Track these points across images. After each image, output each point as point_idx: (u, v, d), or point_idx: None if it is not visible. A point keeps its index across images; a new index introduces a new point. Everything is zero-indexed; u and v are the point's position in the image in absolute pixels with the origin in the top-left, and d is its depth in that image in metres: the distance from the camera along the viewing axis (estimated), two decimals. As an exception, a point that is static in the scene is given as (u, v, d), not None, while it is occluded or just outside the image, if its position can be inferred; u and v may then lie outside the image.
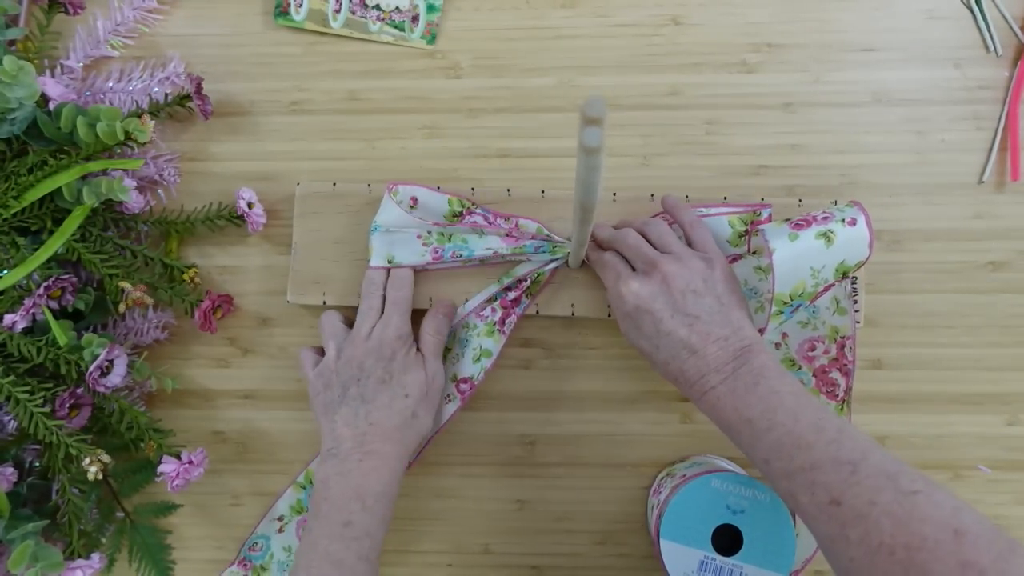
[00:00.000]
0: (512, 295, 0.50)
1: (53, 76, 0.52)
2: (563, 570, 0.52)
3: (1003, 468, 0.51)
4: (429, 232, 0.49)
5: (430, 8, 0.54)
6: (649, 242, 0.46)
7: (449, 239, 0.49)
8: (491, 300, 0.50)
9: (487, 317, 0.50)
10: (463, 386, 0.51)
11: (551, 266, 0.49)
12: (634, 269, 0.45)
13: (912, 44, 0.52)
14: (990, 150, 0.51)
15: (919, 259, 0.51)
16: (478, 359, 0.50)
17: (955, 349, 0.51)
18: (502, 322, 0.50)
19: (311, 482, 0.52)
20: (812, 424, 0.37)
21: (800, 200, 0.50)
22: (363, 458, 0.44)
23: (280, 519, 0.52)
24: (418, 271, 0.50)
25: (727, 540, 0.43)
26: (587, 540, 0.52)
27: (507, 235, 0.48)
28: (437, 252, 0.49)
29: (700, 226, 0.46)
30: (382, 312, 0.48)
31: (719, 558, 0.42)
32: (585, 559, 0.52)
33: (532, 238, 0.48)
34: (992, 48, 0.52)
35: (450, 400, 0.51)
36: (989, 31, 0.52)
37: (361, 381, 0.46)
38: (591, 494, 0.52)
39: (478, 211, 0.50)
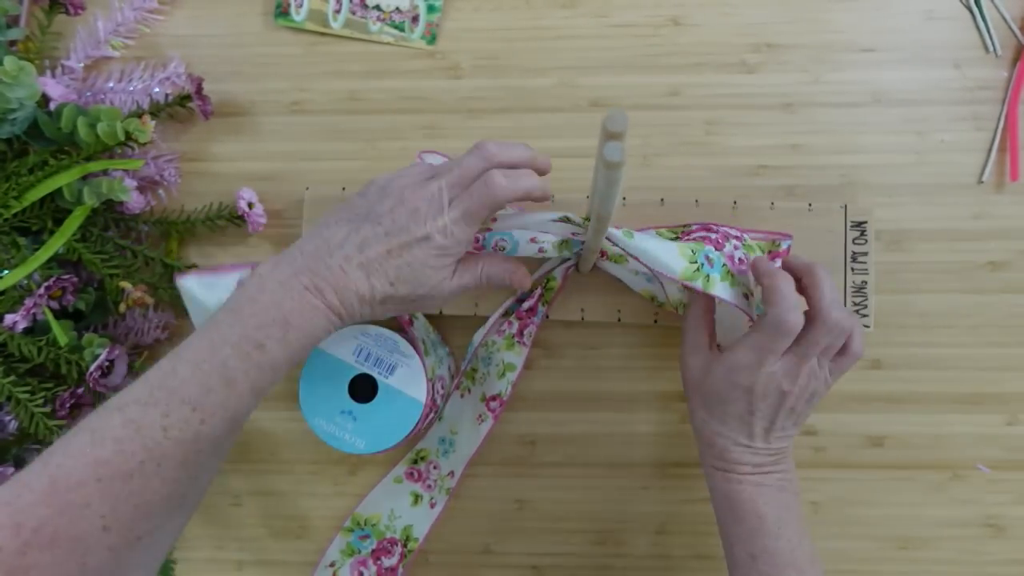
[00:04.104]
0: (527, 305, 0.49)
1: (54, 76, 0.52)
2: (563, 570, 0.52)
3: (1002, 468, 0.51)
4: None
5: (430, 8, 0.54)
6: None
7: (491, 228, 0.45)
8: (507, 314, 0.50)
9: (505, 331, 0.50)
10: (493, 404, 0.51)
11: (564, 266, 0.49)
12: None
13: (911, 44, 0.52)
14: (989, 150, 0.51)
15: (918, 259, 0.51)
16: (503, 374, 0.50)
17: (955, 349, 0.51)
18: (520, 333, 0.50)
19: (359, 524, 0.52)
20: (810, 554, 0.40)
21: (810, 205, 0.49)
22: (313, 290, 0.36)
23: (332, 565, 0.51)
24: None
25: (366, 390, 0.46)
26: (587, 540, 0.52)
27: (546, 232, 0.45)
28: (478, 240, 0.45)
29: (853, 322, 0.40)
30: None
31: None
32: (585, 559, 0.52)
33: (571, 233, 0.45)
34: (991, 48, 0.52)
35: (483, 420, 0.51)
36: (988, 31, 0.52)
37: (395, 212, 0.37)
38: (591, 494, 0.52)
39: None
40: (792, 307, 0.38)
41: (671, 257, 0.42)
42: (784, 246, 0.46)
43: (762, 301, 0.40)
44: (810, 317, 0.39)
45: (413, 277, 0.38)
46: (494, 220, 0.45)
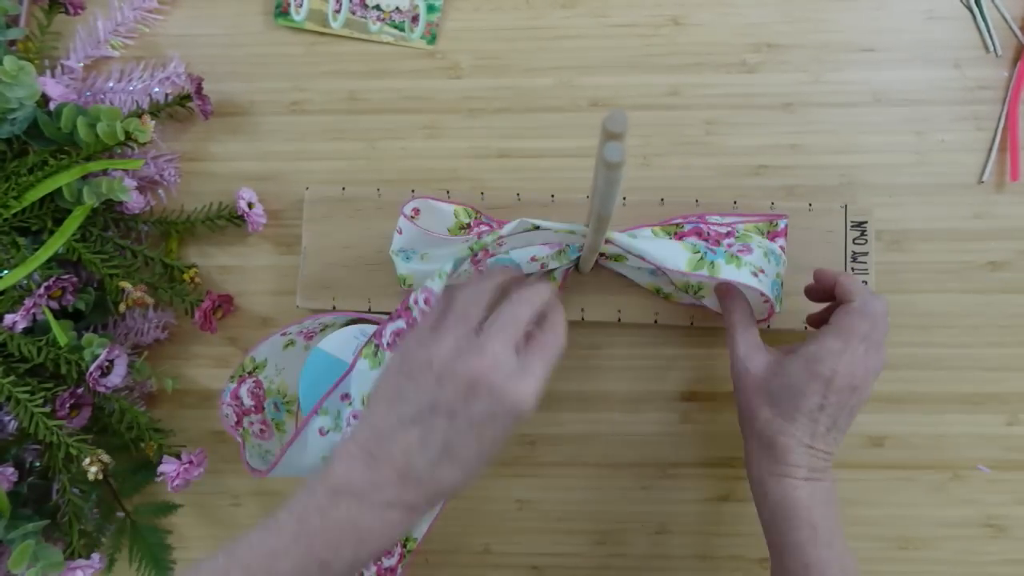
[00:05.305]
0: None
1: (53, 76, 0.52)
2: (563, 570, 0.52)
3: (1002, 468, 0.51)
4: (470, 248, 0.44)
5: (430, 8, 0.54)
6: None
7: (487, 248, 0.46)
8: None
9: None
10: None
11: (564, 267, 0.48)
12: None
13: (912, 44, 0.52)
14: (990, 150, 0.51)
15: (919, 259, 0.51)
16: None
17: (955, 349, 0.51)
18: None
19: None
20: (854, 567, 0.40)
21: (810, 205, 0.49)
22: (399, 504, 0.33)
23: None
24: None
25: None
26: (587, 540, 0.52)
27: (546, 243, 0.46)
28: (478, 260, 0.47)
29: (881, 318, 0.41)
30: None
31: None
32: (585, 559, 0.52)
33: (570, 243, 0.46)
34: (992, 48, 0.52)
35: None
36: (989, 31, 0.52)
37: (471, 399, 0.33)
38: (591, 494, 0.52)
39: (484, 219, 0.49)
40: (872, 294, 0.41)
41: (674, 252, 0.43)
42: (781, 225, 0.48)
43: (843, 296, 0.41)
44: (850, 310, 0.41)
45: (506, 439, 0.34)
46: (500, 244, 0.45)
